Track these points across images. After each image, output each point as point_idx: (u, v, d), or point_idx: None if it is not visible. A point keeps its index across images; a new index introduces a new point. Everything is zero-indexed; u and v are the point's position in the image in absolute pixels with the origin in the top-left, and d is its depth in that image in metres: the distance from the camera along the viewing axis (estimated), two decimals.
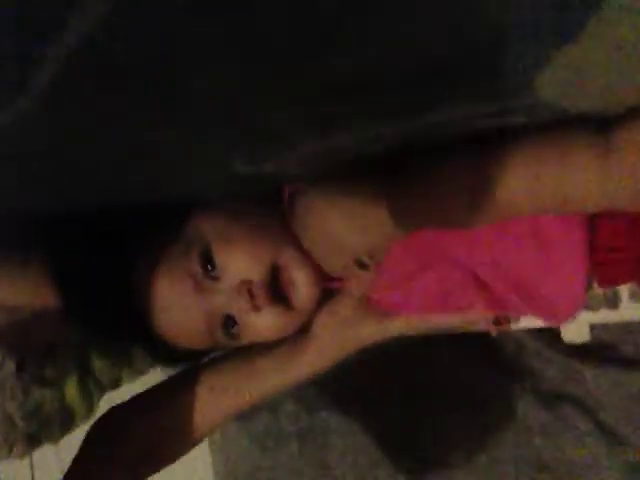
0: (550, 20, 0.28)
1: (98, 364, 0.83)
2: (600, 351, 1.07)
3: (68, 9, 0.22)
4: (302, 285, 0.61)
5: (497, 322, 0.72)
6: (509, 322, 0.72)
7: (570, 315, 0.63)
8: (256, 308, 0.60)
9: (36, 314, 0.66)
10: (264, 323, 0.61)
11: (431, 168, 0.52)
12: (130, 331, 0.64)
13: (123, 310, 0.61)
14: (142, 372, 0.90)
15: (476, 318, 0.66)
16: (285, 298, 0.61)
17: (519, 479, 1.07)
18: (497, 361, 1.11)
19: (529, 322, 0.93)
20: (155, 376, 0.95)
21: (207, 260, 0.59)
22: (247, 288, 0.59)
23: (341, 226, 0.56)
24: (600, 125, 0.46)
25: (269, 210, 0.63)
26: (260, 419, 1.15)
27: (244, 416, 1.15)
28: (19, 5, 0.21)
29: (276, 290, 0.61)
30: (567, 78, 0.34)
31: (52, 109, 0.29)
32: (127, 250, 0.61)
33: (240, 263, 0.59)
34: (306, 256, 0.61)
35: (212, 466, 1.18)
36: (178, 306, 0.61)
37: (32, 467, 1.32)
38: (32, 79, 0.26)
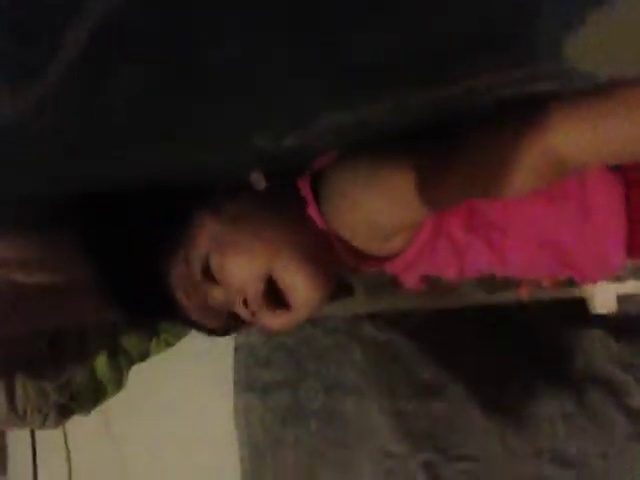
0: None
1: (127, 338, 0.85)
2: (627, 322, 1.05)
3: None
4: (301, 289, 0.61)
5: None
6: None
7: (606, 275, 0.64)
8: (253, 314, 0.61)
9: (68, 290, 0.68)
10: (266, 323, 0.62)
11: (481, 137, 0.50)
12: (159, 307, 0.64)
13: (153, 288, 0.62)
14: (170, 344, 0.91)
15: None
16: (285, 301, 0.62)
17: (540, 474, 1.03)
18: (519, 340, 1.09)
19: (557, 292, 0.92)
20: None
21: (206, 269, 0.60)
22: (242, 298, 0.61)
23: (378, 205, 0.55)
24: None
25: (274, 206, 0.61)
26: (281, 395, 1.16)
27: (266, 390, 1.17)
28: None
29: (274, 297, 0.61)
30: (600, 42, 0.33)
31: (70, 92, 0.29)
32: (154, 232, 0.62)
33: (235, 276, 0.60)
34: (307, 255, 0.60)
35: (237, 437, 1.21)
36: (187, 299, 0.62)
37: (65, 437, 1.36)
38: (49, 63, 0.26)
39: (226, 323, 0.65)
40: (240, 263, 0.59)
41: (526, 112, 0.47)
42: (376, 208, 0.55)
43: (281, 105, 0.39)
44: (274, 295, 0.60)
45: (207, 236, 0.60)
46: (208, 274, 0.60)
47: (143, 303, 0.64)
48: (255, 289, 0.60)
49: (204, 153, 0.47)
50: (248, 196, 0.61)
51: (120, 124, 0.36)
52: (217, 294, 0.62)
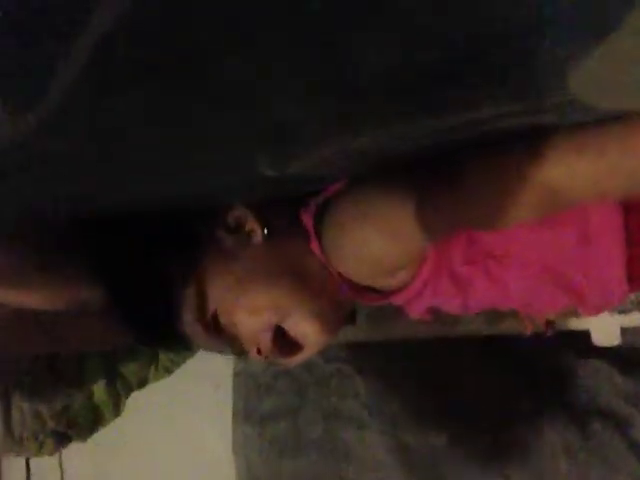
0: (586, 14, 0.27)
1: (126, 364, 0.84)
2: (631, 355, 1.04)
3: (91, 6, 0.22)
4: (311, 335, 0.62)
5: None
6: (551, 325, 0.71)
7: (609, 304, 0.63)
8: (266, 358, 0.63)
9: (66, 319, 0.67)
10: (280, 363, 0.64)
11: (480, 168, 0.50)
12: (170, 333, 0.64)
13: (164, 315, 0.62)
14: (169, 371, 0.90)
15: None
16: (295, 345, 0.63)
17: None
18: (522, 372, 1.08)
19: (561, 324, 0.92)
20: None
21: (216, 324, 0.61)
22: (257, 348, 0.62)
23: (378, 241, 0.54)
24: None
25: (276, 253, 0.61)
26: (280, 425, 1.15)
27: (264, 421, 1.16)
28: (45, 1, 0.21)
29: (286, 344, 0.62)
30: (602, 75, 0.33)
31: (71, 113, 0.29)
32: (166, 258, 0.62)
33: (245, 332, 0.61)
34: (315, 303, 0.61)
35: (235, 468, 1.19)
36: (201, 340, 0.63)
37: (61, 465, 1.34)
38: (50, 82, 0.26)
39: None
40: (249, 321, 0.60)
41: (525, 145, 0.47)
42: (378, 247, 0.54)
43: (284, 133, 0.39)
44: (284, 338, 0.62)
45: (214, 296, 0.60)
46: (218, 327, 0.61)
47: (149, 331, 0.64)
48: (265, 340, 0.61)
49: (206, 178, 0.48)
50: (250, 249, 0.61)
51: (121, 145, 0.36)
52: (228, 343, 0.63)
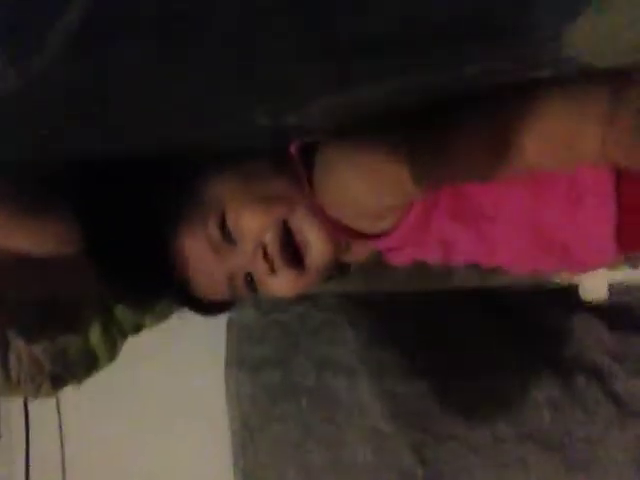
0: None
1: (121, 310, 0.85)
2: (618, 312, 1.06)
3: None
4: (315, 244, 0.62)
5: None
6: None
7: (597, 265, 0.64)
8: (272, 270, 0.61)
9: (61, 263, 0.68)
10: (280, 284, 0.63)
11: (451, 124, 0.50)
12: (157, 281, 0.65)
13: (150, 260, 0.62)
14: (164, 317, 0.92)
15: None
16: (300, 260, 0.63)
17: (525, 459, 1.05)
18: (509, 326, 1.10)
19: (548, 279, 0.93)
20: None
21: (223, 225, 0.61)
22: (263, 251, 0.61)
23: (360, 186, 0.56)
24: (615, 80, 0.45)
25: (282, 170, 0.63)
26: (272, 372, 1.17)
27: (257, 367, 1.18)
28: None
29: (291, 252, 0.62)
30: (599, 32, 0.33)
31: (69, 63, 0.29)
32: (154, 202, 0.62)
33: (252, 225, 0.61)
34: (319, 215, 0.61)
35: (227, 414, 1.22)
36: (200, 267, 0.63)
37: (59, 407, 1.37)
38: (49, 33, 0.26)
39: (229, 292, 0.65)
40: (257, 212, 0.60)
41: (511, 104, 0.47)
42: (360, 190, 0.56)
43: (280, 85, 0.39)
44: (290, 247, 0.62)
45: (220, 196, 0.61)
46: (226, 234, 0.61)
47: (141, 281, 0.65)
48: (273, 235, 0.61)
49: (202, 129, 0.48)
50: (256, 161, 0.62)
51: (118, 97, 0.36)
52: (236, 256, 0.62)
